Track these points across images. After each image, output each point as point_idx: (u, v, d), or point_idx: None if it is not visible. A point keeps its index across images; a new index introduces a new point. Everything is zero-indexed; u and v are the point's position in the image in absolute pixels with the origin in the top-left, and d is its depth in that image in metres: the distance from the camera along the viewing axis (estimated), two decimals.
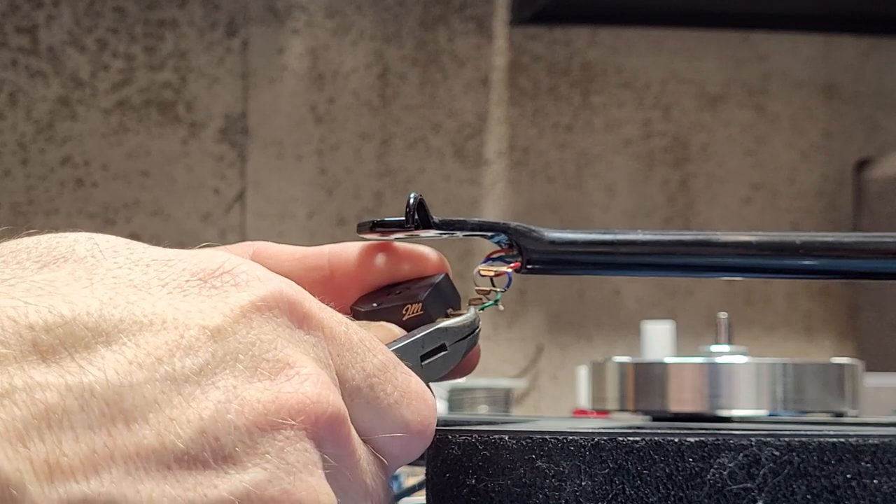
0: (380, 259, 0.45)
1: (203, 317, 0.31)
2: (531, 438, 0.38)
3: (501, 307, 0.46)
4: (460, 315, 0.42)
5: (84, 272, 0.32)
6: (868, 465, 0.38)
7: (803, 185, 2.12)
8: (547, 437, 0.38)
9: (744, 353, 0.70)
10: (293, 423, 0.31)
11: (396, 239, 0.45)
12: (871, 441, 0.38)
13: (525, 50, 2.07)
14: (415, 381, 0.36)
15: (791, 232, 0.65)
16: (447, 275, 0.45)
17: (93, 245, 0.33)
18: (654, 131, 2.09)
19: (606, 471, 0.37)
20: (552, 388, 2.05)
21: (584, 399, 1.29)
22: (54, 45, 1.95)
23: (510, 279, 0.45)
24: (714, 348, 0.71)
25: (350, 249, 0.45)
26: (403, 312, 0.43)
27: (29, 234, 0.34)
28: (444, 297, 0.44)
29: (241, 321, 0.32)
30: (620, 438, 0.38)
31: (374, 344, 0.35)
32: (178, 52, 1.98)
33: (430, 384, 0.41)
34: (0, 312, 0.28)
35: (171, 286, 0.32)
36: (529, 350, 2.05)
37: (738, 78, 2.12)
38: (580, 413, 1.40)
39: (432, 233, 0.44)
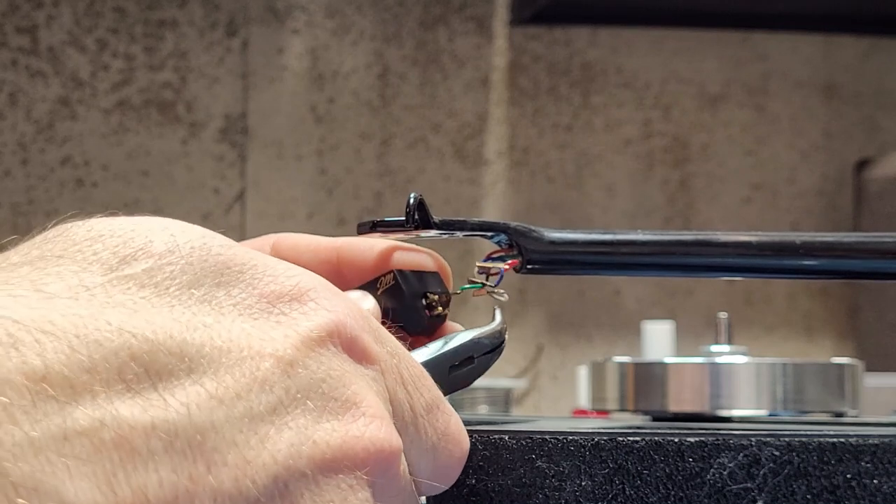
0: (383, 256, 0.45)
1: (275, 346, 0.31)
2: (531, 438, 0.38)
3: (506, 296, 0.46)
4: (488, 325, 0.42)
5: (162, 276, 0.31)
6: (868, 465, 0.38)
7: (803, 185, 2.12)
8: (547, 437, 0.38)
9: (744, 353, 0.70)
10: (358, 472, 0.31)
11: (397, 239, 0.45)
12: (871, 441, 0.38)
13: (525, 50, 2.07)
14: (454, 421, 0.36)
15: (791, 232, 0.65)
16: (437, 273, 0.45)
17: (169, 237, 0.32)
18: (654, 131, 2.09)
19: (606, 471, 0.37)
20: (552, 388, 2.05)
21: (584, 399, 1.29)
22: (54, 45, 1.95)
23: (501, 277, 0.46)
24: (714, 348, 0.71)
25: (358, 246, 0.45)
26: (378, 286, 0.44)
27: (100, 218, 0.33)
28: (421, 277, 0.44)
29: (312, 355, 0.31)
30: (620, 438, 0.38)
31: (423, 380, 0.35)
32: (178, 52, 1.98)
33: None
34: (87, 334, 0.28)
35: (241, 307, 0.31)
36: (529, 350, 2.05)
37: (738, 78, 2.12)
38: (580, 413, 1.40)
39: (432, 233, 0.44)
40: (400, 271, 0.43)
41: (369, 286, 0.44)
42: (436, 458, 0.35)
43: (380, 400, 0.33)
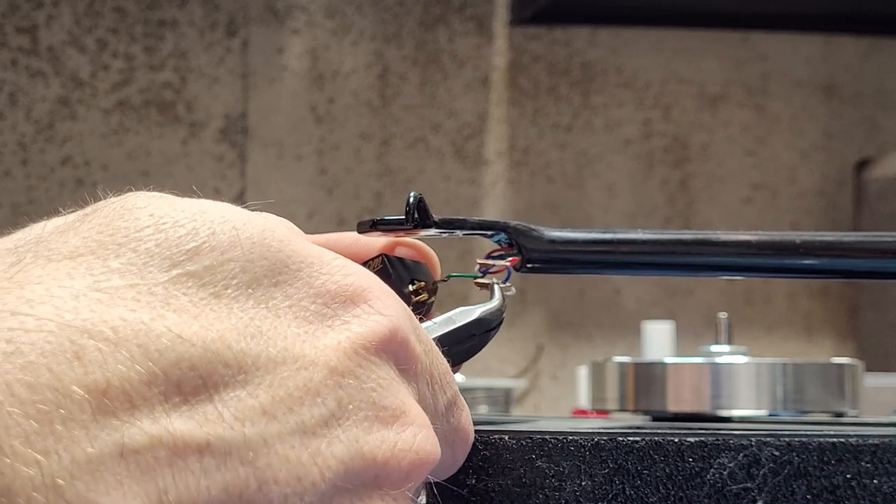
0: (369, 249, 0.45)
1: (328, 355, 0.30)
2: (531, 438, 0.38)
3: (512, 290, 0.46)
4: (489, 302, 0.42)
5: (222, 274, 0.30)
6: (868, 465, 0.38)
7: (803, 185, 2.12)
8: (547, 437, 0.38)
9: (744, 353, 0.70)
10: (405, 487, 0.31)
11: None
12: (871, 441, 0.38)
13: (525, 50, 2.07)
14: (465, 414, 0.36)
15: (791, 232, 0.65)
16: (426, 265, 0.45)
17: (231, 230, 0.32)
18: (654, 131, 2.09)
19: (606, 471, 0.37)
20: (552, 388, 2.05)
21: (584, 399, 1.29)
22: (54, 45, 1.95)
23: (509, 273, 0.46)
24: (714, 348, 0.71)
25: (343, 240, 0.45)
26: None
27: (160, 198, 0.32)
28: (410, 265, 0.44)
29: (363, 363, 0.31)
30: (620, 438, 0.38)
31: (448, 377, 0.35)
32: (178, 52, 1.98)
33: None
34: (147, 343, 0.27)
35: (296, 308, 0.31)
36: (529, 350, 2.05)
37: (738, 78, 2.12)
38: (580, 413, 1.40)
39: (432, 231, 0.44)
40: (388, 256, 0.43)
41: None
42: (445, 452, 0.35)
43: (422, 406, 0.33)
